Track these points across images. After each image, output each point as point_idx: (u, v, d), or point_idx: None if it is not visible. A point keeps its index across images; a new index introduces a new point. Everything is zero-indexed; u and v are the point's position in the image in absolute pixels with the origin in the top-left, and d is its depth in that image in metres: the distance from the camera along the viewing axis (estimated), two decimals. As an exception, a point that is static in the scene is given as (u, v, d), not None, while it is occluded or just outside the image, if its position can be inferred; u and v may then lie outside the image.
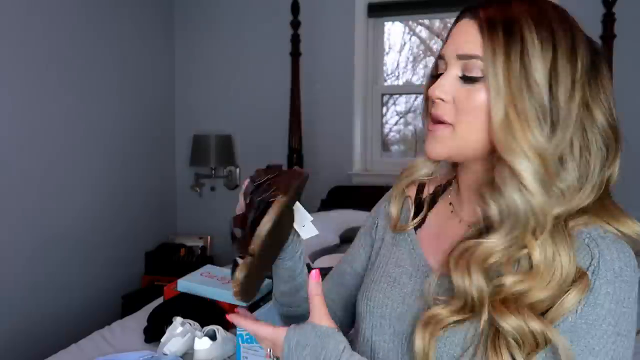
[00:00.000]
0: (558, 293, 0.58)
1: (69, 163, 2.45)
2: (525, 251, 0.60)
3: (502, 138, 0.60)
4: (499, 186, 0.61)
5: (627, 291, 0.59)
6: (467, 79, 0.64)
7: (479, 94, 0.63)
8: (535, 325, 0.57)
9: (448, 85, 0.65)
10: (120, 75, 2.78)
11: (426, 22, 3.07)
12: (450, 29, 0.70)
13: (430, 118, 0.68)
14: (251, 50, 3.08)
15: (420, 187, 0.84)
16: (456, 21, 0.69)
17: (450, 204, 0.77)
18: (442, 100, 0.65)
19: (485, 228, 0.66)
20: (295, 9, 2.63)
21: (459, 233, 0.72)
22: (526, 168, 0.59)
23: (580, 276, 0.59)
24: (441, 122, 0.66)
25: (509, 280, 0.59)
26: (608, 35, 2.19)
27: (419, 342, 0.63)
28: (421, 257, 0.75)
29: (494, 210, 0.61)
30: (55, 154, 2.38)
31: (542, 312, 0.59)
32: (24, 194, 2.22)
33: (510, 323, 0.57)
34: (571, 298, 0.58)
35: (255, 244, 0.65)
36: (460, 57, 0.64)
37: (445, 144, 0.66)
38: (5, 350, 2.14)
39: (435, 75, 0.69)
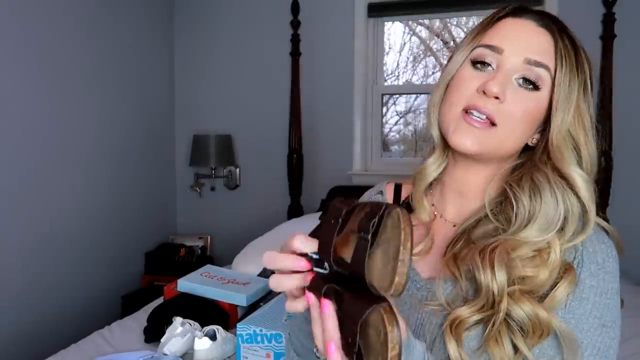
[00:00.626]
0: (550, 280, 0.60)
1: (68, 163, 2.45)
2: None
3: (563, 149, 0.64)
4: (538, 185, 0.63)
5: (610, 282, 0.62)
6: (527, 85, 0.64)
7: (532, 103, 0.64)
8: (543, 313, 0.59)
9: (507, 85, 0.64)
10: (120, 75, 2.77)
11: (426, 22, 3.07)
12: (495, 19, 0.68)
13: (465, 109, 0.65)
14: (251, 50, 3.08)
15: (397, 188, 0.83)
16: (507, 15, 0.68)
17: (433, 205, 0.76)
18: (498, 99, 0.63)
19: (475, 224, 0.67)
20: (295, 9, 2.63)
21: (447, 234, 0.72)
22: (580, 173, 0.63)
23: (567, 269, 0.61)
24: (487, 120, 0.64)
25: (542, 275, 0.60)
26: (608, 35, 2.20)
27: (452, 349, 0.62)
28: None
29: (524, 207, 0.63)
30: (55, 154, 2.37)
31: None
32: (23, 193, 2.22)
33: (525, 310, 0.59)
34: (562, 290, 0.60)
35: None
36: (530, 62, 0.64)
37: (483, 142, 0.65)
38: (5, 350, 2.14)
39: (476, 62, 0.66)
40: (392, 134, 3.21)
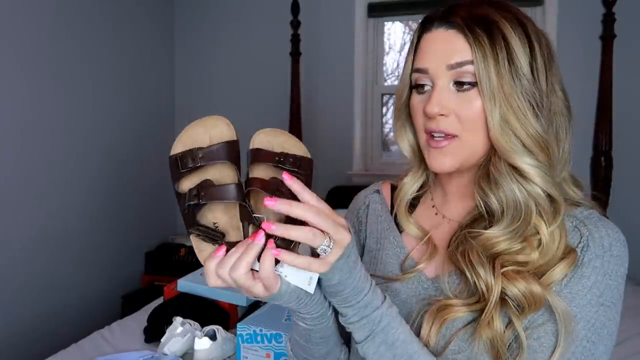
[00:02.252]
0: (551, 263, 0.61)
1: (69, 163, 2.45)
2: (526, 240, 0.63)
3: (501, 140, 0.63)
4: (496, 180, 0.64)
5: (616, 264, 0.62)
6: (462, 87, 0.64)
7: (475, 100, 0.64)
8: (537, 288, 0.60)
9: (445, 99, 0.64)
10: (121, 76, 2.77)
11: (426, 22, 3.07)
12: (416, 43, 0.69)
13: (428, 133, 0.67)
14: (251, 51, 3.08)
15: (394, 188, 0.84)
16: (422, 33, 0.68)
17: (434, 206, 0.77)
18: (444, 115, 0.64)
19: (471, 220, 0.68)
20: (295, 9, 2.62)
21: (450, 233, 0.72)
22: (529, 162, 0.62)
23: (569, 252, 0.62)
24: (447, 136, 0.65)
25: (532, 256, 0.62)
26: (608, 35, 2.19)
27: (424, 329, 0.64)
28: (411, 261, 0.74)
29: (494, 203, 0.64)
30: (55, 154, 2.38)
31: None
32: (24, 193, 2.22)
33: (519, 287, 0.60)
34: (559, 270, 0.61)
35: None
36: (452, 66, 0.64)
37: (455, 156, 0.66)
38: (5, 350, 2.14)
39: (416, 87, 0.68)
40: (392, 134, 3.21)
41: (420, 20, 0.70)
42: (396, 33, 3.10)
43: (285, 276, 0.58)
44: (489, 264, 0.62)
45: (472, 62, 0.63)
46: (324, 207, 0.56)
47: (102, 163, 2.66)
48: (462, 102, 0.64)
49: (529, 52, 0.63)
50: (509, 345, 0.61)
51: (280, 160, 0.59)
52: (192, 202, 0.56)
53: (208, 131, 0.65)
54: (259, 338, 1.30)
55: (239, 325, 1.34)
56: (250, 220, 0.57)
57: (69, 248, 2.46)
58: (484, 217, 0.67)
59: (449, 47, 0.64)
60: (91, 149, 2.58)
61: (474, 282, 0.63)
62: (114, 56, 2.72)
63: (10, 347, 2.16)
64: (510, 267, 0.61)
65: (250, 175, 0.60)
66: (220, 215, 0.59)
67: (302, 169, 0.60)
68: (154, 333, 1.61)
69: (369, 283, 0.61)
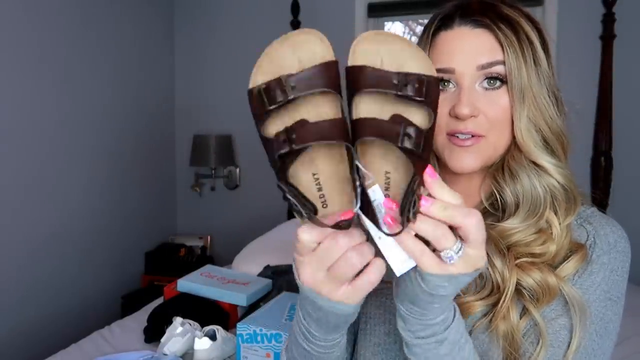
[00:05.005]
0: (559, 257, 0.62)
1: (68, 163, 2.45)
2: (543, 229, 0.64)
3: (527, 139, 0.63)
4: (514, 174, 0.65)
5: (621, 261, 0.64)
6: (493, 85, 0.63)
7: (503, 99, 0.63)
8: (552, 279, 0.61)
9: (474, 100, 0.63)
10: (121, 75, 2.77)
11: (426, 21, 3.08)
12: (430, 36, 0.67)
13: (448, 134, 0.65)
14: (251, 50, 3.07)
15: None
16: (438, 31, 0.66)
17: None
18: (474, 116, 0.63)
19: (483, 213, 0.67)
20: (295, 9, 2.63)
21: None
22: (549, 160, 0.64)
23: (578, 247, 0.63)
24: (473, 136, 0.64)
25: (551, 248, 0.63)
26: (608, 35, 2.20)
27: None
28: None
29: (509, 196, 0.65)
30: (55, 154, 2.37)
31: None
32: (23, 194, 2.22)
33: (534, 278, 0.61)
34: (571, 265, 0.62)
35: None
36: (483, 67, 0.62)
37: (479, 156, 0.64)
38: (5, 350, 2.14)
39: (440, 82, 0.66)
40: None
41: (437, 17, 0.68)
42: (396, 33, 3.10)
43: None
44: (503, 255, 0.63)
45: (502, 63, 0.62)
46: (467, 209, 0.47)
47: (102, 163, 2.66)
48: (490, 101, 0.63)
49: (546, 50, 0.65)
50: (524, 334, 0.62)
51: (400, 84, 0.42)
52: (282, 151, 0.43)
53: (296, 52, 0.47)
54: (259, 338, 1.30)
55: (239, 325, 1.34)
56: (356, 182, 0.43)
57: (69, 248, 2.46)
58: (489, 212, 0.67)
59: (479, 47, 0.63)
60: (92, 149, 2.58)
61: (488, 274, 0.63)
62: (114, 57, 2.72)
63: (11, 347, 2.16)
64: (524, 259, 0.62)
65: (355, 116, 0.43)
66: (322, 164, 0.45)
67: (429, 96, 0.43)
68: (154, 333, 1.61)
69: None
